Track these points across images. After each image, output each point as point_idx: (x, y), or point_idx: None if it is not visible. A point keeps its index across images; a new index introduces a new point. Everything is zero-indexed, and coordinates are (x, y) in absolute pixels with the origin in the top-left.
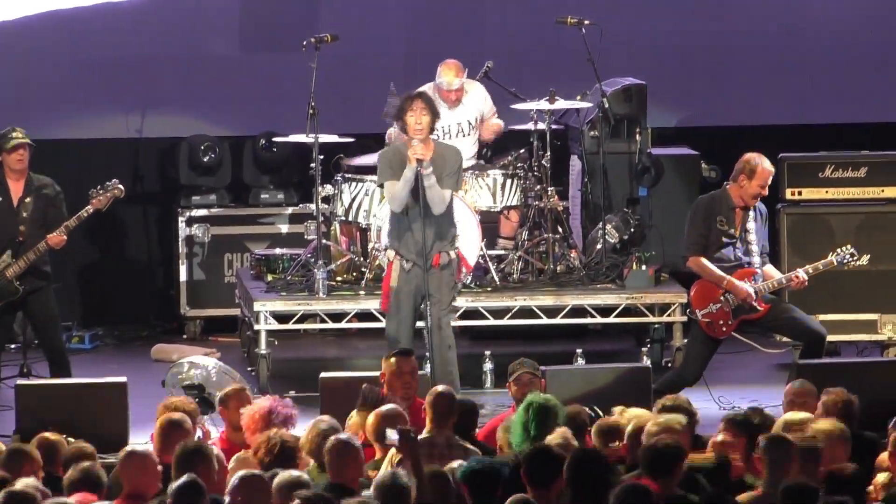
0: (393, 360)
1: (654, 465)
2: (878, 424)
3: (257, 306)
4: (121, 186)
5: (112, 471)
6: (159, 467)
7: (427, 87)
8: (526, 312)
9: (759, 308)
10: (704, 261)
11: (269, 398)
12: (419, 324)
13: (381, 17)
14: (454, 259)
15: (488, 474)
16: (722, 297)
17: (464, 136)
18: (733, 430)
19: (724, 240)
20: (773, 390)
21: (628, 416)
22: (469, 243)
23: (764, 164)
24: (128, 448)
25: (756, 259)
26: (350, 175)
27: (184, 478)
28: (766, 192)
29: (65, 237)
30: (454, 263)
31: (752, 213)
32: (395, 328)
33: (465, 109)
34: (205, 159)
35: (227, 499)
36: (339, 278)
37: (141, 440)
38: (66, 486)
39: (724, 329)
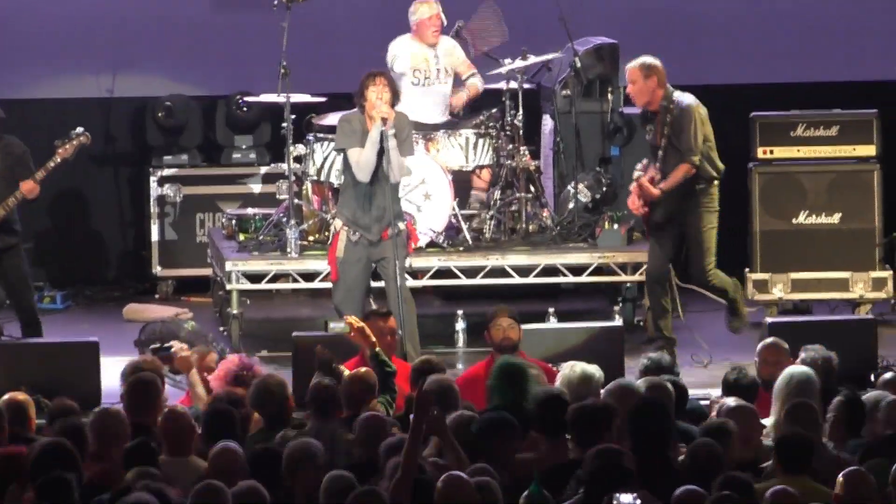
0: (372, 320)
1: None
2: (850, 382)
3: (229, 266)
4: (87, 134)
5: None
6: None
7: (404, 38)
8: (498, 272)
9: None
10: None
11: (238, 358)
12: (379, 283)
13: None
14: (403, 230)
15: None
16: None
17: (445, 79)
18: None
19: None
20: (744, 349)
21: None
22: (440, 203)
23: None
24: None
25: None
26: (322, 135)
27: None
28: (630, 91)
29: (37, 186)
30: (403, 234)
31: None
32: (340, 298)
33: (440, 56)
34: (160, 115)
35: None
36: (311, 238)
37: (112, 400)
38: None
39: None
